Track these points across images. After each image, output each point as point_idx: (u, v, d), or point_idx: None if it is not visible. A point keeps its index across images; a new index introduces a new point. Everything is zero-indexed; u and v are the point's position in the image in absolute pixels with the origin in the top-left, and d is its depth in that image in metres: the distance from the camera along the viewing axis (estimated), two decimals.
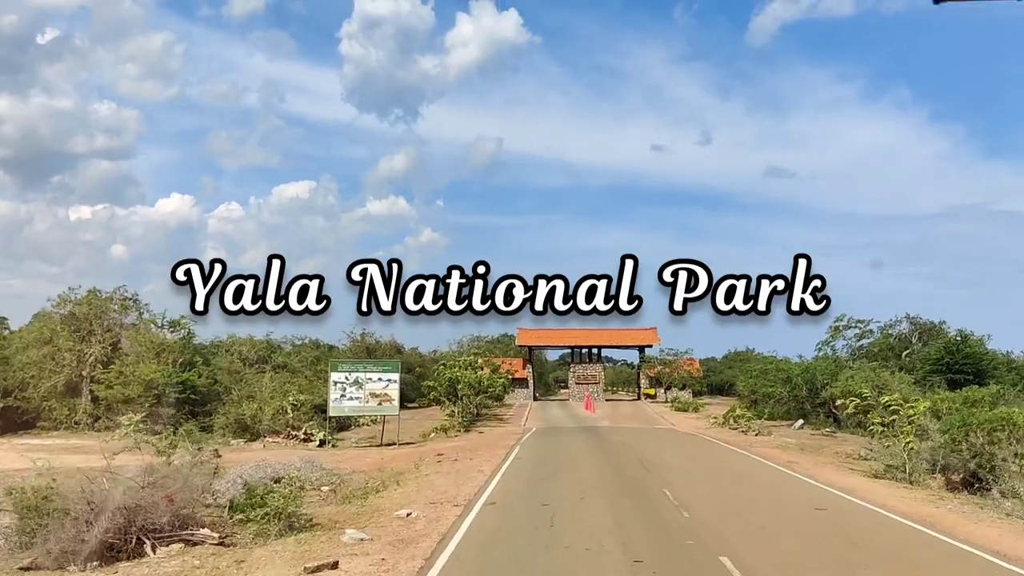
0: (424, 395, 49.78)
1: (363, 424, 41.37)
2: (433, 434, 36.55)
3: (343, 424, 39.37)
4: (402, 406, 39.34)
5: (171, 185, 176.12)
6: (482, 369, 50.05)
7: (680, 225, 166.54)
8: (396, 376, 32.80)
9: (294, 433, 32.43)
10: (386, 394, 32.37)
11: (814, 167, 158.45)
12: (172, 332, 41.19)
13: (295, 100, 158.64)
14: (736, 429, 37.57)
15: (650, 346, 75.30)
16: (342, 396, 31.85)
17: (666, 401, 67.99)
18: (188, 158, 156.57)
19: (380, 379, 32.34)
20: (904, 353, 54.46)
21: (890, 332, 57.44)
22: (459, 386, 40.17)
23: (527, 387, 75.94)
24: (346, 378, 31.99)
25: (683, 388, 70.81)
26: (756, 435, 33.86)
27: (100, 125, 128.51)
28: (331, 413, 32.20)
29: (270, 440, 32.17)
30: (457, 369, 41.32)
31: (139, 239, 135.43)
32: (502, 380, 50.77)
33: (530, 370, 76.42)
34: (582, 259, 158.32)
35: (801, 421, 38.63)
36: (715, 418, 40.81)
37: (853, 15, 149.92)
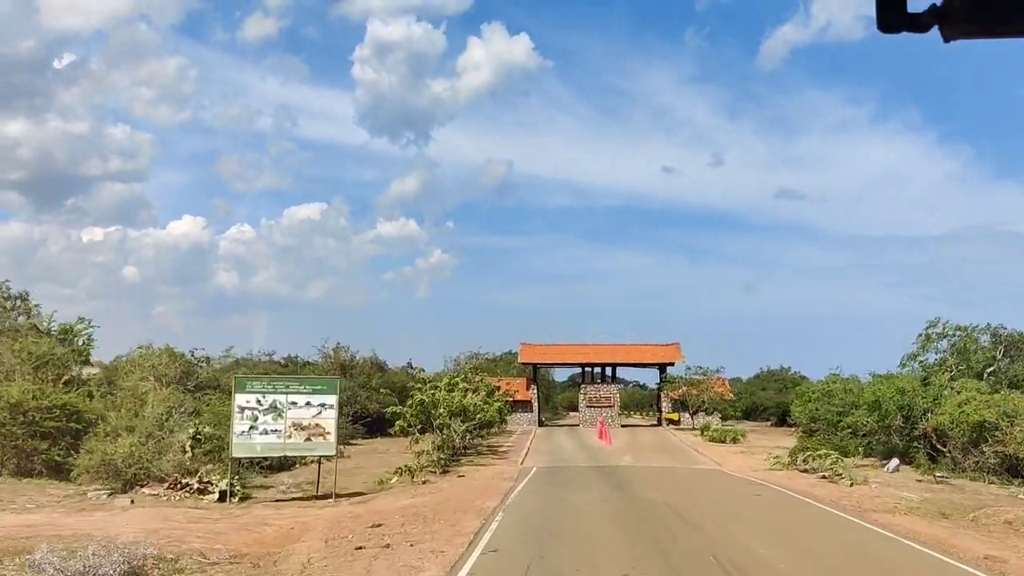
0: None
1: (311, 462, 31.32)
2: (395, 479, 26.28)
3: (285, 463, 29.29)
4: (381, 434, 29.50)
5: (183, 207, 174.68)
6: (473, 391, 39.96)
7: (690, 247, 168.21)
8: (333, 400, 22.55)
9: (185, 481, 22.16)
10: (317, 425, 22.17)
11: (824, 189, 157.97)
12: (64, 341, 31.19)
13: (307, 124, 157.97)
14: (808, 472, 27.15)
15: (671, 364, 64.95)
16: (251, 428, 21.69)
17: (693, 428, 57.42)
18: (200, 181, 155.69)
19: (310, 404, 22.16)
20: (987, 371, 43.89)
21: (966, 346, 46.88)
22: (435, 412, 29.97)
23: (531, 411, 65.46)
24: (258, 402, 21.86)
25: (710, 413, 60.32)
26: (851, 485, 23.35)
27: (114, 148, 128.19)
28: (234, 453, 21.91)
29: (147, 492, 21.91)
30: (436, 391, 31.10)
31: (150, 261, 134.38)
32: (497, 404, 40.53)
33: (535, 391, 65.93)
34: (592, 281, 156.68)
35: (896, 461, 28.10)
36: (775, 457, 30.19)
37: (862, 39, 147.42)
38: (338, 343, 55.63)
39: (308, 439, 22.14)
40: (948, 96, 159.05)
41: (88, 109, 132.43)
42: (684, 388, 57.73)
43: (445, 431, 31.06)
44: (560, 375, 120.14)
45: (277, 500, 22.41)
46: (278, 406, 22.00)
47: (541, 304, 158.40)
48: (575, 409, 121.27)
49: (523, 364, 69.11)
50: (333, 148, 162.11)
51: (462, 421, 33.30)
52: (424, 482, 25.63)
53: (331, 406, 22.46)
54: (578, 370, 73.37)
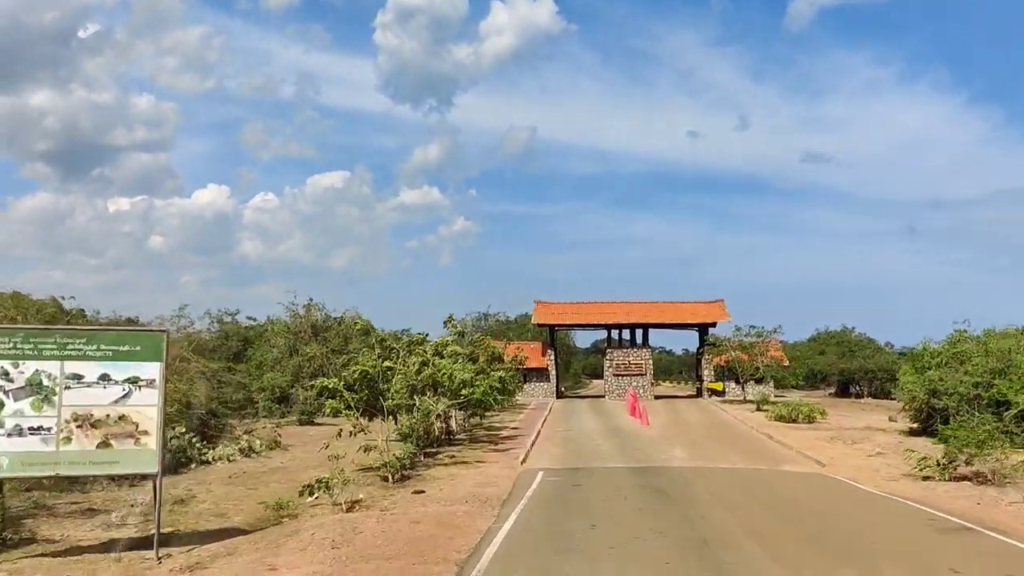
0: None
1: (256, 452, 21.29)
2: (312, 497, 15.75)
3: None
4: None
5: (208, 176, 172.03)
6: (469, 358, 29.49)
7: (716, 212, 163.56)
8: (154, 372, 12.04)
9: None
10: (123, 418, 11.77)
11: (852, 152, 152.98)
12: None
13: (330, 91, 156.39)
14: (986, 481, 16.33)
15: (713, 325, 54.02)
16: None
17: (744, 399, 46.54)
18: (224, 150, 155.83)
19: (108, 379, 11.71)
20: None
21: None
22: (387, 388, 19.32)
23: (547, 380, 54.88)
24: (5, 375, 11.52)
25: (760, 381, 49.47)
26: None
27: (139, 118, 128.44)
28: None
29: None
30: (393, 359, 20.41)
31: (176, 230, 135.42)
32: (499, 375, 29.97)
33: (551, 357, 55.28)
34: (616, 247, 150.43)
35: None
36: (922, 458, 18.82)
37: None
38: (310, 299, 45.15)
39: (105, 443, 11.64)
40: (977, 56, 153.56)
41: (113, 79, 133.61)
42: (734, 353, 46.76)
43: (409, 415, 20.53)
44: (582, 340, 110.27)
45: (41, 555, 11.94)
46: (46, 383, 11.50)
47: (565, 272, 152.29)
48: (598, 376, 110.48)
49: (538, 326, 58.46)
50: (355, 116, 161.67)
51: (444, 397, 22.83)
52: (353, 505, 15.10)
53: (149, 383, 11.89)
54: (601, 334, 62.89)
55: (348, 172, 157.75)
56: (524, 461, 21.30)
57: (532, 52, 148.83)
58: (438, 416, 25.85)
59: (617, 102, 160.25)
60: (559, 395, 56.79)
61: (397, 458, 18.47)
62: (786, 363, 46.76)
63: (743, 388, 46.76)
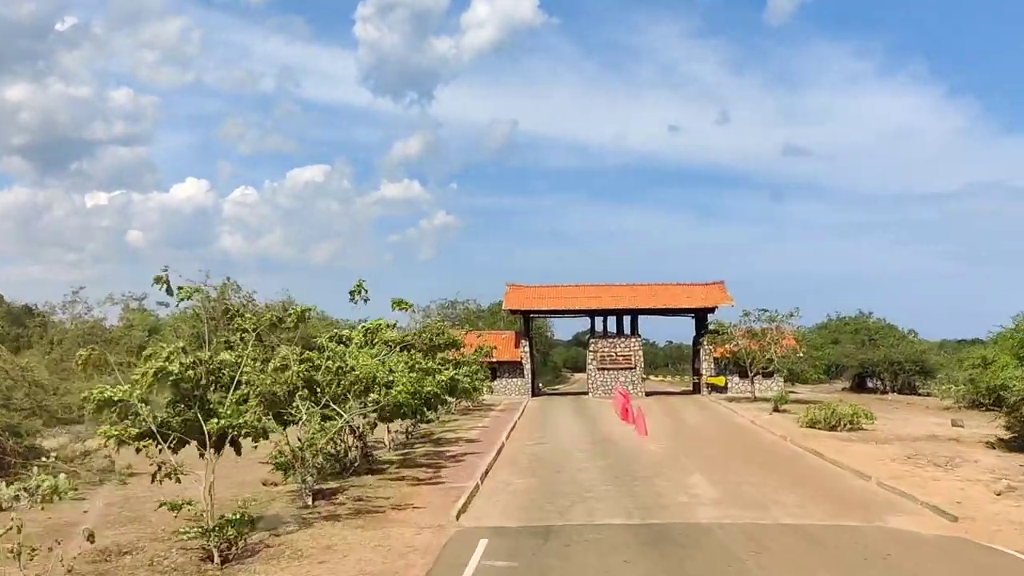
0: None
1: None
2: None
3: None
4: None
5: (187, 170, 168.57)
6: (406, 347, 21.42)
7: (697, 206, 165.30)
8: None
9: None
10: None
11: (832, 145, 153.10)
12: None
13: (310, 84, 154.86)
14: None
15: (711, 310, 46.21)
16: None
17: (753, 397, 38.75)
18: (204, 143, 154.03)
19: None
20: None
21: None
22: (213, 399, 11.16)
23: (521, 375, 46.83)
24: None
25: (769, 376, 41.79)
26: None
27: (118, 112, 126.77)
28: None
29: None
30: (239, 348, 12.29)
31: (155, 224, 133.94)
32: (451, 373, 21.65)
33: (526, 348, 47.18)
34: (599, 241, 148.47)
35: None
36: None
37: None
38: (227, 277, 36.59)
39: None
40: (955, 49, 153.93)
41: (91, 72, 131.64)
42: (743, 342, 38.87)
43: (265, 439, 12.40)
44: (561, 331, 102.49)
45: None
46: None
47: (548, 264, 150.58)
48: (581, 369, 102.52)
49: (510, 313, 50.34)
50: (336, 109, 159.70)
51: (352, 403, 14.80)
52: None
53: None
54: (583, 324, 55.03)
55: (328, 166, 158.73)
56: (463, 512, 13.16)
57: (514, 45, 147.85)
58: (352, 432, 17.81)
59: (598, 95, 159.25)
60: (535, 392, 48.75)
61: (229, 522, 10.32)
62: (799, 353, 39.05)
63: (752, 383, 38.98)
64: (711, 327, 41.12)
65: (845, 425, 24.74)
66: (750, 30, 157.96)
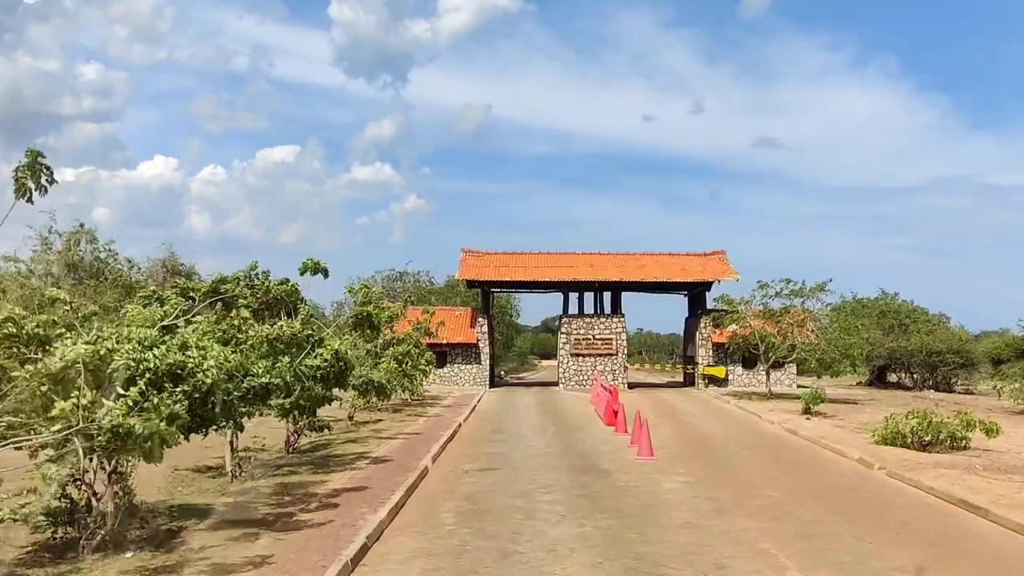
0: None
1: None
2: None
3: None
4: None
5: (155, 147, 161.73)
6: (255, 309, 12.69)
7: (666, 195, 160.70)
8: None
9: None
10: None
11: (802, 137, 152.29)
12: None
13: (283, 64, 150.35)
14: None
15: (708, 287, 37.81)
16: None
17: (769, 393, 30.33)
18: (173, 121, 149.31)
19: None
20: None
21: None
22: None
23: (478, 360, 38.05)
24: None
25: (779, 366, 33.57)
26: None
27: (87, 87, 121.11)
28: None
29: None
30: None
31: (122, 202, 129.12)
32: (317, 362, 12.75)
33: (484, 329, 38.37)
34: (569, 228, 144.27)
35: None
36: None
37: None
38: (79, 225, 26.84)
39: None
40: (926, 44, 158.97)
41: (60, 47, 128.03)
42: (756, 322, 30.27)
43: None
44: (529, 314, 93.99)
45: None
46: None
47: (518, 250, 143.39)
48: (550, 356, 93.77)
49: (467, 285, 41.46)
50: (309, 89, 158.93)
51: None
52: None
53: None
54: (554, 306, 46.63)
55: (299, 147, 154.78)
56: None
57: (489, 30, 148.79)
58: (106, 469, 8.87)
59: (574, 82, 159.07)
60: (494, 382, 39.98)
61: None
62: (829, 336, 30.47)
63: (767, 374, 30.48)
64: (718, 304, 32.37)
65: (946, 441, 16.27)
66: (723, 21, 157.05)
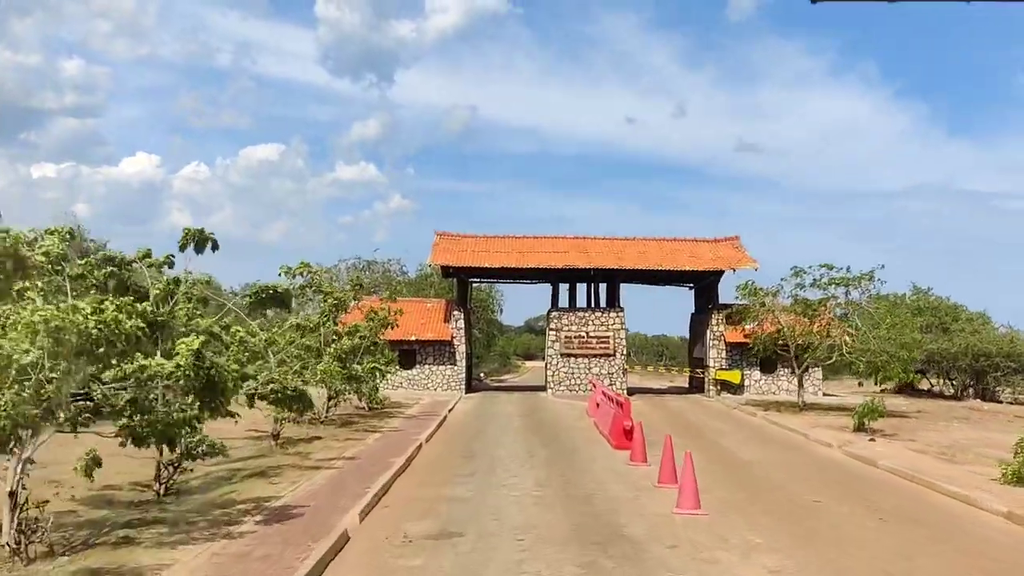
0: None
1: None
2: None
3: None
4: None
5: (137, 144, 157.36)
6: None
7: (648, 197, 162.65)
8: None
9: None
10: None
11: (783, 141, 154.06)
12: None
13: (267, 61, 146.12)
14: None
15: (717, 277, 32.70)
16: None
17: (801, 405, 25.02)
18: (156, 117, 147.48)
19: None
20: None
21: None
22: None
23: (453, 361, 32.59)
24: None
25: (805, 369, 28.38)
26: None
27: (69, 82, 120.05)
28: None
29: None
30: None
31: (103, 198, 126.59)
32: (172, 362, 7.40)
33: (460, 324, 32.91)
34: (551, 228, 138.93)
35: None
36: None
37: None
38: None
39: None
40: (904, 51, 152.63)
41: (41, 40, 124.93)
42: (786, 318, 24.98)
43: None
44: (513, 313, 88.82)
45: None
46: None
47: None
48: (532, 358, 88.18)
49: (443, 275, 36.05)
50: (293, 88, 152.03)
51: None
52: None
53: None
54: (539, 303, 41.13)
55: (283, 145, 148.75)
56: None
57: (476, 31, 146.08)
58: None
59: (558, 84, 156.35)
60: (471, 386, 34.58)
61: None
62: (875, 335, 25.15)
63: (800, 382, 25.21)
64: (740, 295, 26.85)
65: None
66: (708, 24, 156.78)
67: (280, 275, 17.34)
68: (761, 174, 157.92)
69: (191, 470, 11.41)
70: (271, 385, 12.24)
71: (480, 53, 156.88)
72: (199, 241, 10.71)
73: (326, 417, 19.89)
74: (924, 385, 35.79)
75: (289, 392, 11.99)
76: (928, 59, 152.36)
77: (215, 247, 10.94)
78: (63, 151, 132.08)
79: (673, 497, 10.45)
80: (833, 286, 24.09)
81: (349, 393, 20.64)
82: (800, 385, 25.01)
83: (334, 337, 19.83)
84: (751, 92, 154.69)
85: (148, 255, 11.02)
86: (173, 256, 11.08)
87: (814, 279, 24.12)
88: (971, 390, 32.55)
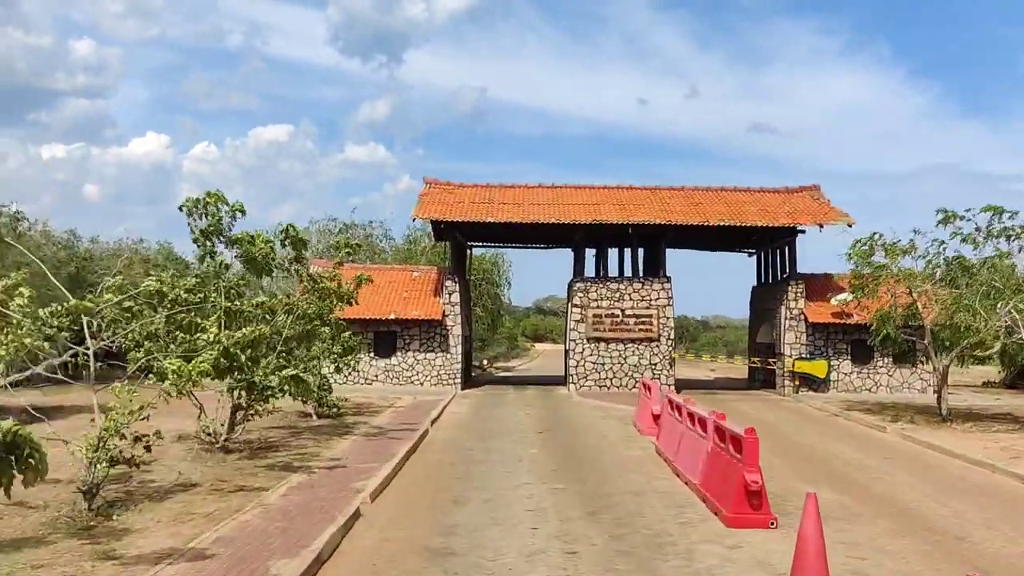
0: None
1: None
2: None
3: None
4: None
5: (147, 125, 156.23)
6: None
7: (659, 178, 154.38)
8: None
9: None
10: None
11: (795, 122, 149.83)
12: None
13: (277, 42, 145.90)
14: None
15: (792, 236, 24.74)
16: None
17: (942, 416, 17.11)
18: (166, 98, 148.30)
19: None
20: None
21: None
22: None
23: (446, 347, 24.66)
24: None
25: (900, 358, 20.57)
26: None
27: (79, 63, 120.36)
28: None
29: None
30: None
31: (113, 179, 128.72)
32: None
33: (454, 297, 25.02)
34: None
35: None
36: None
37: None
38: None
39: None
40: (919, 32, 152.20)
41: (52, 21, 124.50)
42: (924, 288, 17.21)
43: None
44: (520, 289, 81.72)
45: None
46: None
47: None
48: (541, 340, 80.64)
49: (433, 233, 28.36)
50: (302, 69, 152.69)
51: None
52: None
53: None
54: (554, 284, 33.80)
55: (292, 126, 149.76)
56: None
57: (486, 11, 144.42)
58: None
59: (569, 65, 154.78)
60: (469, 378, 26.99)
61: None
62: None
63: (943, 378, 17.21)
64: (855, 250, 18.47)
65: None
66: (719, 4, 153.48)
67: (181, 209, 12.10)
68: (773, 155, 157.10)
69: None
70: None
71: (490, 34, 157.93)
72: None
73: (227, 440, 12.28)
74: None
75: None
76: (942, 39, 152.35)
77: None
78: (73, 132, 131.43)
79: None
80: (1006, 238, 16.21)
81: (271, 399, 12.96)
82: (943, 384, 17.17)
83: (241, 313, 12.23)
84: (763, 73, 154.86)
85: None
86: None
87: (977, 227, 16.21)
88: None
